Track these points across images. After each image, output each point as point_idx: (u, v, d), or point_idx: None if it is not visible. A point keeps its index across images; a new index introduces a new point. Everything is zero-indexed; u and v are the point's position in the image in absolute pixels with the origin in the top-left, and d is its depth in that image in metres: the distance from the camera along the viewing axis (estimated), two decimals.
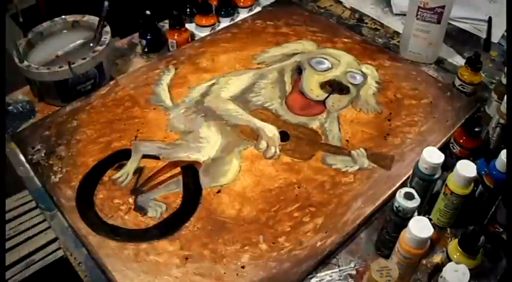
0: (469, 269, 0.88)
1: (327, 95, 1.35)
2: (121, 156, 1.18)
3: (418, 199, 0.92)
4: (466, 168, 0.98)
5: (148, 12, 1.52)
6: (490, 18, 1.68)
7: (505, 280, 1.02)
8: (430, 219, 1.04)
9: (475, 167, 0.98)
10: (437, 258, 1.04)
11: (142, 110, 1.30)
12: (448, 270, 0.86)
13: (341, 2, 1.82)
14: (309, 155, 1.20)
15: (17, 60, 1.29)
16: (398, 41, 1.62)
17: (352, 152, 1.21)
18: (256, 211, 1.08)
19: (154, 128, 1.25)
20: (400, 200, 0.92)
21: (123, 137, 1.23)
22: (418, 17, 1.45)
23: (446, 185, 1.01)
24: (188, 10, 1.61)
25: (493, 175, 1.03)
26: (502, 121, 1.19)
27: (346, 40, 1.56)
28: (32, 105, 1.38)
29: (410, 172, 1.04)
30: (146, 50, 1.55)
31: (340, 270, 1.02)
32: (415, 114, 1.31)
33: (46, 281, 2.10)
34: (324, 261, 1.03)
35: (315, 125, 1.27)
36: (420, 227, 0.87)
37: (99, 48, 1.34)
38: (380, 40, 1.65)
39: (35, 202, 1.18)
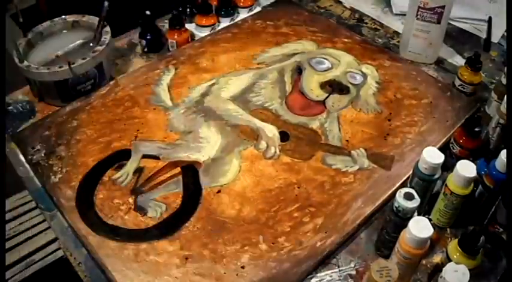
0: (469, 269, 0.88)
1: (326, 95, 1.35)
2: (121, 156, 1.18)
3: (418, 199, 0.92)
4: (466, 169, 0.98)
5: (148, 12, 1.52)
6: (490, 18, 1.68)
7: (505, 280, 1.03)
8: (430, 220, 1.04)
9: (474, 167, 0.98)
10: (437, 258, 1.04)
11: (142, 110, 1.30)
12: (448, 270, 0.86)
13: (341, 2, 1.82)
14: (309, 155, 1.20)
15: (17, 60, 1.29)
16: (398, 41, 1.62)
17: (352, 152, 1.21)
18: (256, 211, 1.08)
19: (154, 128, 1.25)
20: (400, 200, 0.92)
21: (123, 137, 1.23)
22: (418, 17, 1.45)
23: (446, 185, 1.01)
24: (188, 10, 1.61)
25: (493, 175, 1.03)
26: (502, 121, 1.19)
27: (346, 40, 1.56)
28: (32, 105, 1.38)
29: (410, 172, 1.04)
30: (146, 50, 1.55)
31: (340, 271, 1.02)
32: (415, 114, 1.31)
33: (46, 281, 2.10)
34: (324, 261, 1.03)
35: (315, 125, 1.27)
36: (420, 227, 0.87)
37: (99, 48, 1.34)
38: (380, 40, 1.65)
39: (34, 202, 1.18)
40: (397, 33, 1.67)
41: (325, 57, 1.46)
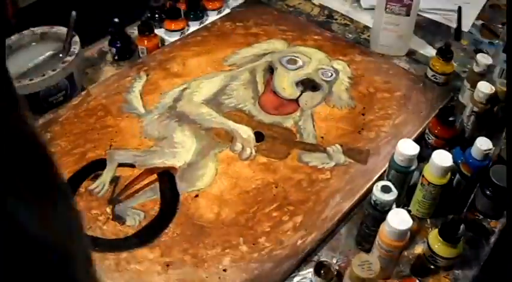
0: (452, 258, 0.89)
1: (299, 93, 1.35)
2: (96, 167, 1.17)
3: (395, 192, 0.92)
4: (442, 158, 0.98)
5: (116, 19, 1.50)
6: (459, 7, 1.69)
7: (488, 267, 1.03)
8: (410, 211, 1.04)
9: (451, 156, 0.99)
10: (418, 249, 1.04)
11: (115, 118, 1.28)
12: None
13: (309, 0, 1.82)
14: (285, 154, 1.20)
15: None
16: (369, 36, 1.62)
17: (328, 148, 1.20)
18: (235, 213, 1.07)
19: (128, 136, 1.24)
20: (377, 193, 0.92)
21: (98, 146, 1.21)
22: (387, 10, 1.45)
23: (423, 176, 1.02)
24: (157, 15, 1.60)
25: (470, 163, 1.04)
26: (476, 109, 1.20)
27: (316, 37, 1.56)
28: None
29: (387, 165, 1.04)
30: (116, 57, 1.53)
31: None
32: (388, 107, 1.32)
33: None
34: (306, 259, 1.03)
35: (289, 123, 1.27)
36: (399, 220, 0.88)
37: (68, 58, 1.32)
38: (350, 35, 1.65)
39: None
40: (367, 27, 1.67)
41: (296, 56, 1.46)
